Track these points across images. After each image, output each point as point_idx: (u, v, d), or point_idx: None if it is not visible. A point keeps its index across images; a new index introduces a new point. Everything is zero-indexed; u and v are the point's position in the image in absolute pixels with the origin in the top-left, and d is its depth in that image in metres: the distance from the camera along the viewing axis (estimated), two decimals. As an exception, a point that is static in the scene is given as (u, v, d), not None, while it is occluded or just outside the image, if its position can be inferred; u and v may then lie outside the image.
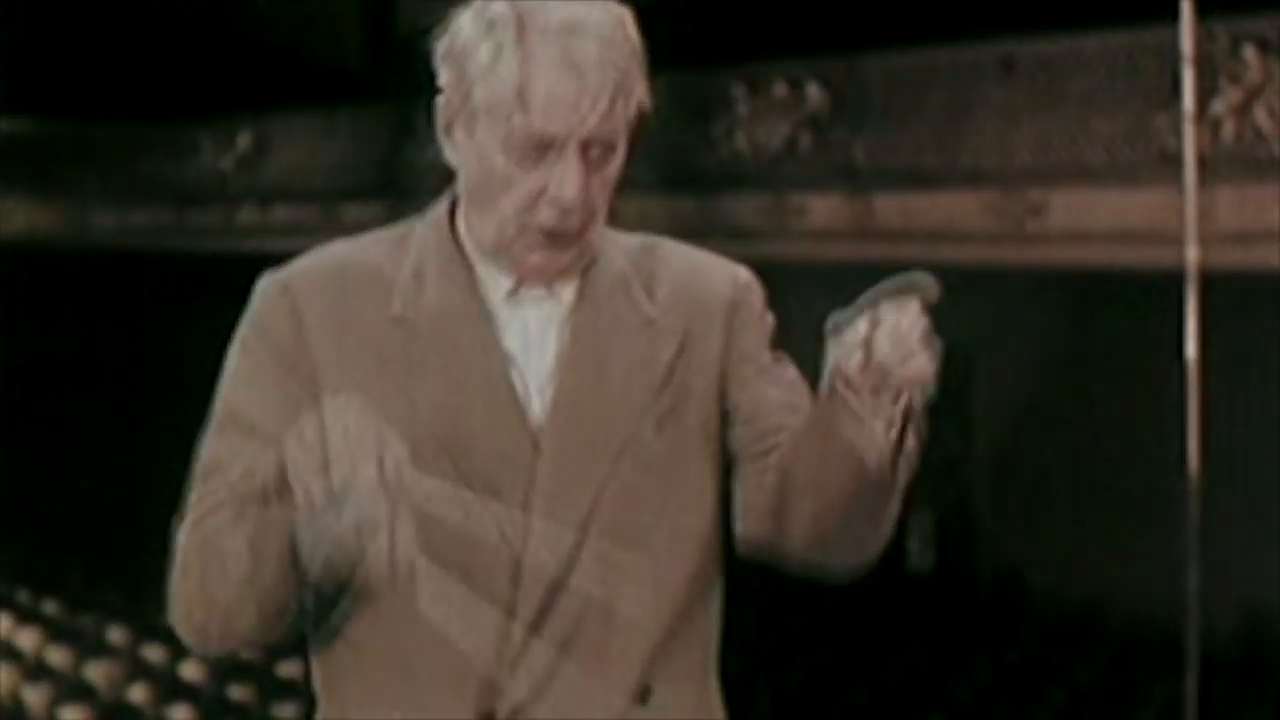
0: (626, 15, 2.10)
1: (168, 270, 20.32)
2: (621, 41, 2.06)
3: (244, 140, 18.63)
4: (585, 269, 2.16)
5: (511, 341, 2.14)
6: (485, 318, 2.13)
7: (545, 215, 2.07)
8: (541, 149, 2.05)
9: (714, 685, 2.25)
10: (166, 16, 19.82)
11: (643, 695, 2.13)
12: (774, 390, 2.21)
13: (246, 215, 18.46)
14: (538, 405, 2.12)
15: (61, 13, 19.71)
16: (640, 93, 2.08)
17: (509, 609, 2.07)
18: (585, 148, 2.05)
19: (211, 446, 2.15)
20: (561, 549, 2.07)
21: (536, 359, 2.14)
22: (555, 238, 2.09)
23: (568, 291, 2.16)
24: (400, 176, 15.62)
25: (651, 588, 2.12)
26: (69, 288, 21.24)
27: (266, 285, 2.19)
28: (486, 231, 2.11)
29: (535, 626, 2.08)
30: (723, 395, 2.20)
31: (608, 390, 2.13)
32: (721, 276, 2.25)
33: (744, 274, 2.27)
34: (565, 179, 2.05)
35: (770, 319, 2.27)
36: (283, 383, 2.12)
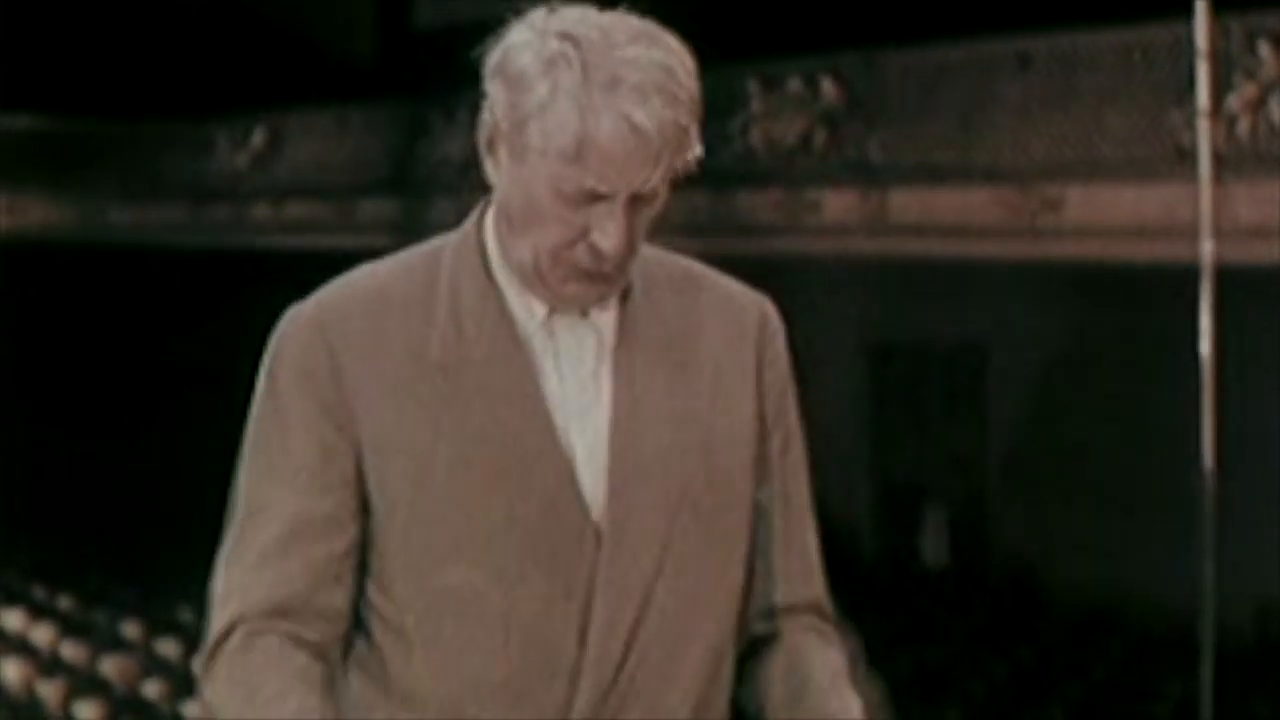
0: (688, 59, 2.04)
1: (183, 266, 20.35)
2: (684, 98, 2.01)
3: (259, 137, 18.64)
4: (623, 299, 2.14)
5: (550, 377, 2.11)
6: (526, 359, 2.10)
7: (584, 257, 2.04)
8: (591, 199, 2.02)
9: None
10: (183, 13, 19.84)
11: None
12: (782, 535, 2.24)
13: (261, 211, 18.48)
14: (582, 446, 2.11)
15: (77, 10, 19.73)
16: (694, 144, 2.04)
17: (573, 678, 2.08)
18: (633, 198, 2.03)
19: (253, 490, 2.12)
20: (625, 622, 2.09)
21: (575, 392, 2.12)
22: (592, 275, 2.07)
23: (605, 319, 2.14)
24: (414, 173, 15.61)
25: (708, 645, 2.17)
26: (85, 283, 21.26)
27: (297, 322, 2.12)
28: (522, 255, 2.08)
29: (602, 690, 2.09)
30: (758, 454, 2.20)
31: (661, 449, 2.12)
32: (751, 312, 2.24)
33: (770, 309, 2.26)
34: (609, 230, 2.02)
35: (785, 356, 2.26)
36: (319, 428, 2.09)
